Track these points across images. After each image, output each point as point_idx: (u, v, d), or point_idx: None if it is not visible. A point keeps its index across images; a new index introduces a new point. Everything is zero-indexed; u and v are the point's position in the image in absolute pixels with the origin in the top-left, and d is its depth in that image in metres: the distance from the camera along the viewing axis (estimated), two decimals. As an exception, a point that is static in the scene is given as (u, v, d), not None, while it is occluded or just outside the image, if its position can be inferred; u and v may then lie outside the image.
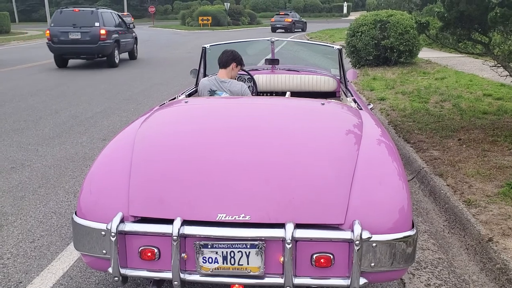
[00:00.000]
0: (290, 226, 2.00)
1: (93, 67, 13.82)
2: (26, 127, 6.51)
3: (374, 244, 2.05)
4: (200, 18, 42.06)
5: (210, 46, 4.37)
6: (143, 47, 20.13)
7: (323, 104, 2.98)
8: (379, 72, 10.80)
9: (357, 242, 1.98)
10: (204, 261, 2.09)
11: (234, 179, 2.20)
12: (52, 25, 13.42)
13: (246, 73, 4.48)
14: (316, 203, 2.12)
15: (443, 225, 3.48)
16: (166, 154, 2.39)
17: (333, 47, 4.24)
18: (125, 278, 2.17)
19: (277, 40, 4.54)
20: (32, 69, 13.43)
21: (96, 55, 13.55)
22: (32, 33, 36.06)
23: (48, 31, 13.29)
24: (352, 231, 2.00)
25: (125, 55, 15.57)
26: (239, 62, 3.95)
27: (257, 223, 2.07)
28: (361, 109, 3.19)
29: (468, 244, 3.13)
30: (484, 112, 6.10)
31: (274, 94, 4.63)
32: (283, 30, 34.72)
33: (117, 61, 13.94)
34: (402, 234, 2.10)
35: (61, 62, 13.62)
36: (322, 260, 2.06)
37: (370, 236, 2.03)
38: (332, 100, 3.23)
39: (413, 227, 2.16)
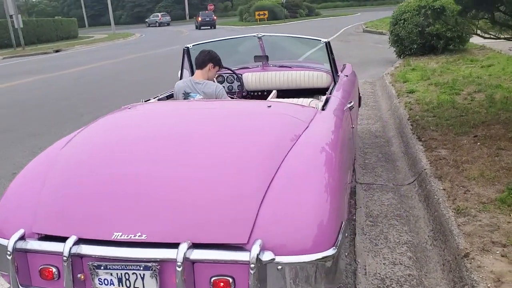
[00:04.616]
0: (183, 247, 1.84)
1: (147, 68, 14.19)
2: (47, 131, 6.70)
3: (279, 267, 1.83)
4: (256, 13, 41.97)
5: (193, 45, 4.20)
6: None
7: (269, 106, 2.75)
8: (422, 62, 10.13)
9: (253, 265, 1.78)
10: (100, 283, 1.97)
11: (134, 196, 2.05)
12: (200, 15, 42.73)
13: (232, 73, 4.30)
14: (219, 221, 1.93)
15: (428, 236, 3.12)
16: (78, 168, 2.29)
17: (320, 40, 3.94)
18: None
19: (264, 35, 4.28)
20: (78, 73, 13.90)
21: (211, 26, 41.47)
22: (97, 37, 37.81)
23: (199, 18, 42.35)
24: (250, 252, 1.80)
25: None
26: (217, 63, 3.77)
27: (154, 242, 1.92)
28: (323, 109, 2.92)
29: (445, 259, 2.77)
30: (519, 104, 5.48)
31: (265, 93, 4.40)
32: None
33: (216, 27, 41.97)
34: (317, 255, 1.86)
35: (199, 28, 41.33)
36: (221, 284, 1.87)
37: (273, 257, 1.82)
38: (283, 101, 2.98)
39: (334, 245, 1.91)
